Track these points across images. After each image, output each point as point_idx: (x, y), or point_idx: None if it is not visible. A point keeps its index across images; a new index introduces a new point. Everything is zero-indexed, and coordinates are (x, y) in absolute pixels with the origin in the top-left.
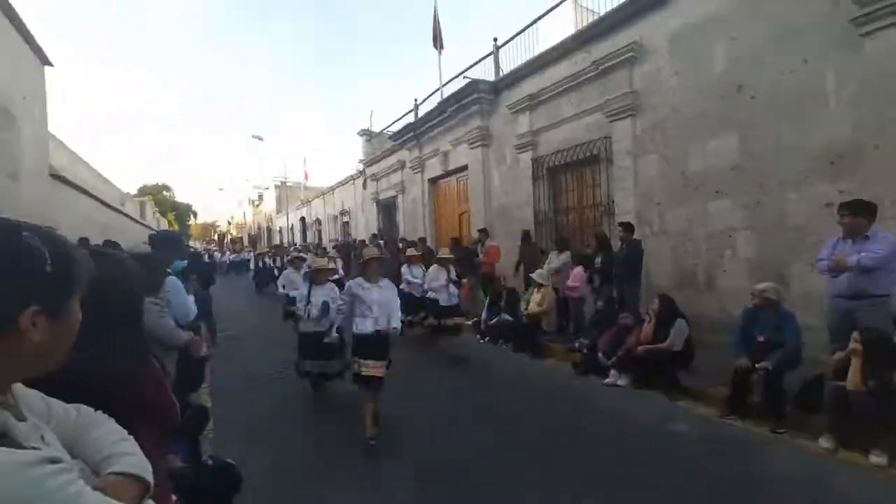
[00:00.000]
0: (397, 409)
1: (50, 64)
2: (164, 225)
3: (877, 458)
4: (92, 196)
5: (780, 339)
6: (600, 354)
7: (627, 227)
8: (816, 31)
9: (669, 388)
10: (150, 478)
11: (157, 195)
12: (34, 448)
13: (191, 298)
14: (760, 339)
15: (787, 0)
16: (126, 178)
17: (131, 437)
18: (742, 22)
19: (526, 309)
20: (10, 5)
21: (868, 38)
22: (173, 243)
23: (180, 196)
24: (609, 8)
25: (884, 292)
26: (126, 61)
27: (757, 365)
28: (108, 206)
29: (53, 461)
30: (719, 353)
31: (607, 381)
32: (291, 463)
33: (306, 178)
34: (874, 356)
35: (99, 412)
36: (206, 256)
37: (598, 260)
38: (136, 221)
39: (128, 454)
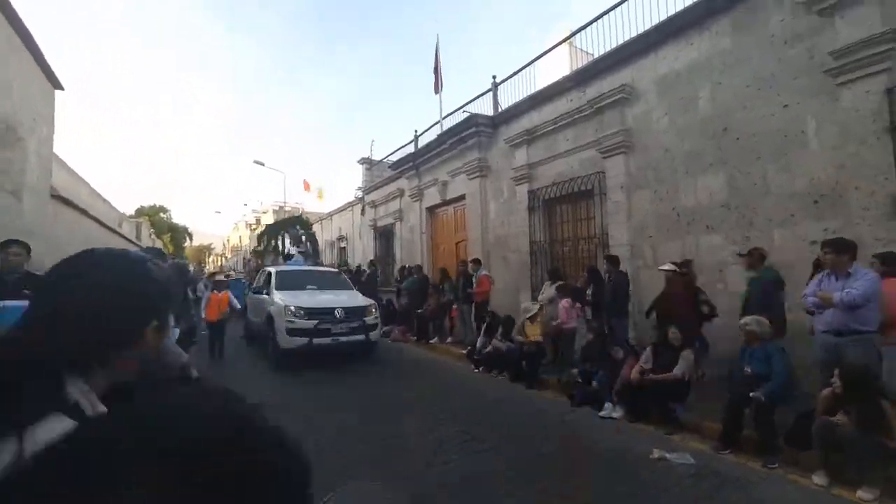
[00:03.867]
0: (390, 433)
1: (61, 88)
2: (158, 245)
3: (864, 494)
4: (91, 217)
5: (769, 373)
6: (594, 383)
7: (612, 260)
8: (793, 80)
9: (665, 421)
10: None
11: (153, 216)
12: None
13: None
14: (747, 370)
15: (763, 51)
16: (126, 198)
17: None
18: (724, 69)
19: (523, 336)
20: (27, 31)
21: (844, 88)
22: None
23: (177, 218)
24: (603, 51)
25: (868, 328)
26: (136, 86)
27: (752, 394)
28: (106, 227)
29: None
30: (714, 388)
31: (602, 413)
32: None
33: (307, 188)
34: (854, 393)
35: None
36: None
37: (589, 292)
38: (132, 242)
39: None
